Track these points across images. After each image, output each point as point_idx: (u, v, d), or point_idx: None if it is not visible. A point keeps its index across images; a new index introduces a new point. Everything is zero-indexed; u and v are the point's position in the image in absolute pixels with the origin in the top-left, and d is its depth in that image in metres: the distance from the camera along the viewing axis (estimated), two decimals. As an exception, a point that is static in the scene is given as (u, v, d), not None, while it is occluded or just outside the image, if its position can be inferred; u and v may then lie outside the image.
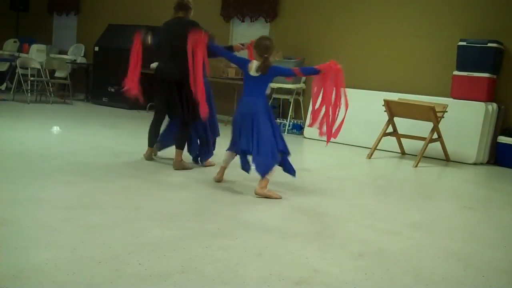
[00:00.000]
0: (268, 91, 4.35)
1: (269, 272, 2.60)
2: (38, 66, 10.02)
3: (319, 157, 6.82)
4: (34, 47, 11.15)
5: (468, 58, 6.87)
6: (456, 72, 6.99)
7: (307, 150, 7.42)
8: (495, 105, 6.89)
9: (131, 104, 9.72)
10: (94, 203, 3.58)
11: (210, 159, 5.18)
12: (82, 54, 11.48)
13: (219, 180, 4.49)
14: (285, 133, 8.43)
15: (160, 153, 5.35)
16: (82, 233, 2.95)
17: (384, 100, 6.60)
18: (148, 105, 9.07)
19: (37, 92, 10.08)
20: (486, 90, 6.80)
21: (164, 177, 4.63)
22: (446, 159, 6.72)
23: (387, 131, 6.65)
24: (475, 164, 6.74)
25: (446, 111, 6.42)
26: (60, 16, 12.38)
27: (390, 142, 6.90)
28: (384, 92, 7.35)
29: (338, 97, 4.20)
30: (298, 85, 8.33)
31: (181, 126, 4.93)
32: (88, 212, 3.36)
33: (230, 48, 4.95)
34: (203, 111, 4.52)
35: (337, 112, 4.23)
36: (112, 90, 10.17)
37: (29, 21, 12.56)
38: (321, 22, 8.55)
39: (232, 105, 8.52)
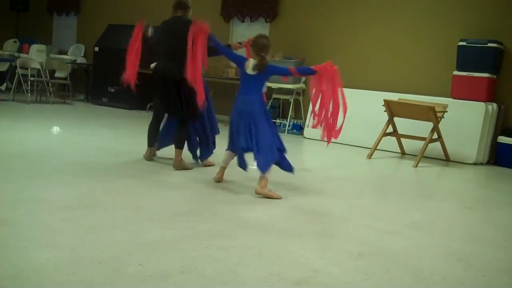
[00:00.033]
0: (264, 89, 4.36)
1: (269, 272, 2.60)
2: (38, 66, 10.02)
3: (319, 157, 6.82)
4: (34, 47, 11.15)
5: (468, 58, 6.87)
6: (456, 72, 6.99)
7: (307, 150, 7.43)
8: (495, 105, 6.89)
9: (131, 104, 9.75)
10: (94, 203, 3.58)
11: (210, 159, 5.19)
12: (82, 54, 11.49)
13: (219, 180, 4.49)
14: (285, 133, 8.43)
15: (160, 153, 5.35)
16: (82, 233, 2.95)
17: (384, 100, 6.60)
18: (148, 105, 9.08)
19: (37, 92, 10.09)
20: (486, 90, 6.80)
21: (164, 177, 4.63)
22: (446, 159, 6.72)
23: (387, 131, 6.66)
24: (475, 164, 6.74)
25: (446, 111, 6.42)
26: (60, 16, 12.39)
27: (390, 142, 6.91)
28: (384, 92, 7.35)
29: (336, 98, 4.20)
30: (298, 85, 8.33)
31: (179, 125, 4.93)
32: (88, 212, 3.36)
33: (228, 47, 4.96)
34: (200, 99, 4.53)
35: (337, 113, 4.23)
36: (112, 90, 10.17)
37: (29, 21, 12.56)
38: (321, 22, 8.55)
39: (232, 105, 8.50)
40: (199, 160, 5.21)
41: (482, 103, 6.74)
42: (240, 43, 4.78)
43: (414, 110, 6.47)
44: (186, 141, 5.02)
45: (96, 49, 10.46)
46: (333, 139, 4.32)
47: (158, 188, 4.25)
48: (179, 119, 4.92)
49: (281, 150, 4.35)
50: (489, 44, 6.77)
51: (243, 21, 9.46)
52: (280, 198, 4.12)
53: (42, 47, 11.26)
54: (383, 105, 6.60)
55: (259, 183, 4.14)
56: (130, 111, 9.63)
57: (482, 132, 6.73)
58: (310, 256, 2.88)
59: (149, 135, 5.18)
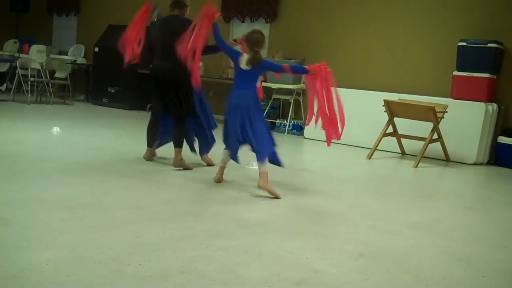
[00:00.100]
0: (258, 84, 4.38)
1: (269, 272, 2.60)
2: (38, 67, 10.02)
3: (319, 157, 6.82)
4: (34, 47, 11.16)
5: (468, 58, 6.87)
6: (456, 73, 6.99)
7: (307, 151, 7.43)
8: (495, 105, 6.89)
9: (131, 105, 9.75)
10: (94, 203, 3.58)
11: (210, 156, 5.17)
12: (82, 55, 11.49)
13: (219, 180, 4.50)
14: (285, 133, 8.44)
15: (160, 153, 5.35)
16: (82, 233, 2.95)
17: (384, 101, 6.60)
18: (148, 105, 9.07)
19: (37, 93, 10.09)
20: (486, 90, 6.80)
21: (164, 177, 4.63)
22: (446, 159, 6.72)
23: (387, 132, 6.66)
24: (475, 164, 6.74)
25: (446, 112, 6.42)
26: (60, 17, 12.40)
27: (390, 143, 6.91)
28: (384, 93, 7.35)
29: (330, 99, 4.22)
30: (298, 86, 8.33)
31: (176, 124, 4.93)
32: (88, 212, 3.36)
33: (218, 49, 4.96)
34: (195, 81, 4.53)
35: (334, 113, 4.25)
36: (112, 90, 10.18)
37: (29, 21, 12.57)
38: (321, 22, 8.55)
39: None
40: (198, 155, 5.19)
41: (482, 103, 6.74)
42: (235, 40, 4.78)
43: (414, 110, 6.47)
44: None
45: (96, 49, 10.46)
46: (333, 140, 4.33)
47: (158, 188, 4.25)
48: (176, 117, 4.92)
49: (274, 144, 4.40)
50: (489, 44, 6.77)
51: (243, 22, 9.46)
52: (279, 198, 4.12)
53: (42, 47, 11.27)
54: (383, 105, 6.60)
55: (262, 177, 4.15)
56: (130, 111, 9.63)
57: (482, 132, 6.73)
58: (310, 256, 2.88)
59: (148, 135, 5.18)
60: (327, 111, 4.25)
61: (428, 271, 2.81)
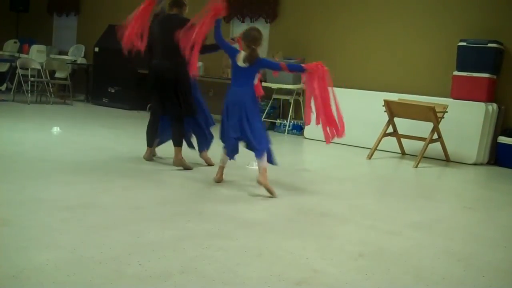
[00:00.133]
0: (255, 81, 4.39)
1: (269, 272, 2.60)
2: (38, 67, 10.02)
3: (319, 158, 6.82)
4: (34, 47, 11.16)
5: (468, 58, 6.87)
6: (456, 73, 6.99)
7: (307, 151, 7.43)
8: (495, 105, 6.88)
9: (131, 105, 9.75)
10: (94, 203, 3.58)
11: (209, 155, 5.16)
12: (82, 55, 11.49)
13: (218, 180, 4.50)
14: (285, 133, 8.43)
15: (160, 153, 5.35)
16: (82, 233, 2.95)
17: (384, 101, 6.60)
18: (148, 105, 9.06)
19: (37, 93, 10.09)
20: (486, 90, 6.80)
21: (164, 177, 4.63)
22: (446, 160, 6.72)
23: (387, 132, 6.66)
24: (475, 164, 6.73)
25: (446, 112, 6.42)
26: (60, 17, 12.40)
27: (390, 143, 6.90)
28: (384, 93, 7.34)
29: (327, 97, 4.24)
30: (298, 86, 8.32)
31: (175, 123, 4.93)
32: (88, 212, 3.36)
33: (218, 46, 4.97)
34: (192, 71, 4.57)
35: (331, 112, 4.27)
36: (112, 90, 10.17)
37: (29, 21, 12.57)
38: (321, 22, 8.55)
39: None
40: (197, 151, 5.19)
41: (482, 104, 6.74)
42: (233, 39, 4.79)
43: (414, 110, 6.47)
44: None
45: (96, 49, 10.46)
46: (337, 138, 4.33)
47: (158, 188, 4.25)
48: (175, 117, 4.92)
49: (269, 142, 4.43)
50: (489, 44, 6.76)
51: (243, 22, 9.46)
52: (275, 197, 4.12)
53: (42, 47, 11.27)
54: (383, 106, 6.60)
55: (261, 173, 4.17)
56: (130, 111, 9.63)
57: (482, 132, 6.73)
58: (310, 256, 2.88)
59: (148, 135, 5.18)
60: (324, 109, 4.27)
61: (428, 271, 2.81)
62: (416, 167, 6.20)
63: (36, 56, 10.87)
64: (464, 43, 6.91)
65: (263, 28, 9.11)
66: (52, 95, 10.00)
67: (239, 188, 4.42)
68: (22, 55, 11.10)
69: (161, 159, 5.29)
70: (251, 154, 4.38)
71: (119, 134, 7.10)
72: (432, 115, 6.23)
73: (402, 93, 7.25)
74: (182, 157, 4.90)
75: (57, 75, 10.75)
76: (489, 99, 6.86)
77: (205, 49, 4.91)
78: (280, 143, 7.63)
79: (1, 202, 3.44)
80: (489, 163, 6.91)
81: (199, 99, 5.09)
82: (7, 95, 10.18)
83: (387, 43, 7.93)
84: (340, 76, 7.92)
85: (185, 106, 4.87)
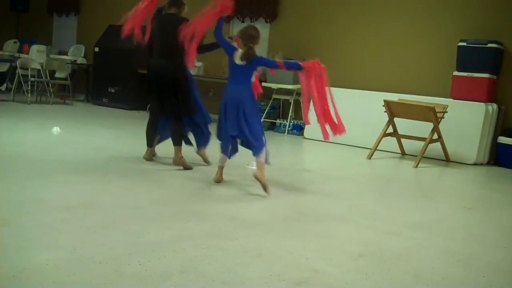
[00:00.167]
0: (253, 79, 4.40)
1: (269, 272, 2.60)
2: (38, 67, 10.02)
3: (319, 158, 6.82)
4: (34, 47, 11.16)
5: (468, 58, 6.87)
6: (456, 73, 6.99)
7: (307, 151, 7.43)
8: (495, 105, 6.88)
9: (131, 105, 9.75)
10: (94, 203, 3.58)
11: (208, 156, 5.16)
12: (82, 55, 11.49)
13: (218, 180, 4.49)
14: (285, 133, 8.43)
15: (160, 153, 5.35)
16: (82, 233, 2.95)
17: (384, 101, 6.60)
18: (148, 105, 9.07)
19: (37, 93, 10.08)
20: (486, 90, 6.80)
21: (164, 177, 4.63)
22: (446, 160, 6.72)
23: (387, 132, 6.65)
24: (475, 164, 6.73)
25: (446, 112, 6.42)
26: (60, 17, 12.39)
27: (390, 143, 6.90)
28: (384, 93, 7.35)
29: (324, 95, 4.25)
30: (298, 86, 8.30)
31: (174, 122, 4.94)
32: (88, 212, 3.36)
33: (218, 45, 4.98)
34: (190, 61, 4.59)
35: (328, 110, 4.30)
36: (112, 90, 10.17)
37: (29, 21, 12.56)
38: (321, 22, 8.55)
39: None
40: (195, 148, 5.20)
41: (482, 104, 6.74)
42: (230, 37, 4.79)
43: (414, 110, 6.47)
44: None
45: (96, 49, 10.46)
46: (331, 138, 4.33)
47: (158, 188, 4.25)
48: (174, 116, 4.93)
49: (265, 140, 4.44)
50: (489, 45, 6.77)
51: (243, 22, 9.45)
52: (268, 194, 4.12)
53: (42, 47, 11.27)
54: (383, 106, 6.60)
55: (259, 169, 4.18)
56: (130, 111, 9.63)
57: (482, 132, 6.73)
58: (310, 256, 2.88)
59: (147, 136, 5.18)
60: (322, 107, 4.29)
61: (428, 271, 2.81)
62: (416, 167, 6.20)
63: (36, 56, 10.87)
64: (464, 43, 6.92)
65: (263, 28, 9.11)
66: (52, 95, 10.00)
67: (239, 188, 4.42)
68: (22, 55, 11.10)
69: (161, 159, 5.28)
70: (251, 154, 4.37)
71: (119, 134, 7.10)
72: (432, 115, 6.23)
73: (402, 93, 7.25)
74: (182, 156, 4.90)
75: (57, 75, 10.75)
76: (489, 99, 6.86)
77: (204, 48, 4.93)
78: (280, 143, 7.63)
79: (1, 202, 3.44)
80: (489, 163, 6.91)
81: (197, 98, 5.09)
82: (7, 95, 10.18)
83: (387, 43, 7.93)
84: (340, 76, 7.93)
85: (183, 105, 4.88)
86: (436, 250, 3.18)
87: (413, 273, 2.77)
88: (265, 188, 4.14)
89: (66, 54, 11.54)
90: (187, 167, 4.90)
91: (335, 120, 4.30)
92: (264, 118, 8.36)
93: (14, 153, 5.10)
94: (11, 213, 3.21)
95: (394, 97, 6.95)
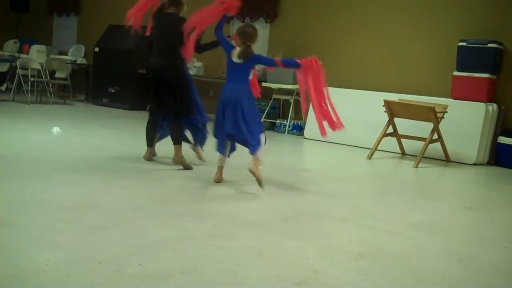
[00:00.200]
0: (250, 77, 4.41)
1: (269, 272, 2.60)
2: (38, 67, 10.02)
3: (319, 158, 6.82)
4: (34, 47, 11.16)
5: (468, 58, 6.87)
6: (456, 73, 6.99)
7: (307, 151, 7.43)
8: (495, 105, 6.89)
9: (131, 105, 9.75)
10: (94, 203, 3.58)
11: (205, 154, 5.15)
12: (82, 55, 11.49)
13: (218, 180, 4.50)
14: (285, 133, 8.43)
15: (160, 153, 5.35)
16: (82, 233, 2.95)
17: (384, 101, 6.60)
18: (148, 105, 9.07)
19: (37, 93, 10.09)
20: (486, 90, 6.80)
21: (164, 178, 4.63)
22: (446, 160, 6.72)
23: (387, 132, 6.66)
24: (475, 164, 6.73)
25: (446, 112, 6.42)
26: (60, 17, 12.39)
27: (390, 143, 6.90)
28: (384, 93, 7.35)
29: (321, 92, 4.29)
30: (298, 86, 8.33)
31: (173, 121, 4.94)
32: (88, 212, 3.36)
33: (218, 43, 4.98)
34: (187, 52, 4.64)
35: (327, 106, 4.31)
36: (112, 90, 10.18)
37: (29, 21, 12.56)
38: (321, 22, 8.55)
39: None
40: (192, 145, 5.21)
41: (482, 104, 6.74)
42: (228, 36, 4.80)
43: (414, 110, 6.47)
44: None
45: (96, 49, 10.46)
46: (330, 135, 4.34)
47: (158, 188, 4.25)
48: (172, 115, 4.93)
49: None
50: (489, 45, 6.77)
51: (243, 21, 9.44)
52: (263, 189, 4.13)
53: (42, 47, 11.27)
54: (383, 106, 6.60)
55: (254, 163, 4.19)
56: (130, 111, 9.63)
57: (482, 132, 6.73)
58: (310, 256, 2.88)
59: (147, 136, 5.19)
60: (319, 104, 4.32)
61: (428, 271, 2.81)
62: (416, 167, 6.20)
63: (36, 56, 10.87)
64: (464, 43, 6.92)
65: (263, 28, 9.12)
66: (52, 95, 10.00)
67: (239, 188, 4.42)
68: (22, 55, 11.09)
69: (161, 159, 5.28)
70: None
71: (119, 134, 7.10)
72: (432, 115, 6.23)
73: (402, 93, 7.25)
74: (183, 156, 4.90)
75: (57, 75, 10.75)
76: (489, 99, 6.86)
77: (203, 47, 4.95)
78: (280, 143, 7.63)
79: (1, 202, 3.44)
80: (489, 163, 6.91)
81: (196, 98, 5.09)
82: (7, 95, 10.18)
83: (387, 43, 7.93)
84: (340, 76, 7.94)
85: (182, 104, 4.88)
86: (436, 250, 3.18)
87: (413, 273, 2.77)
88: (259, 182, 4.15)
89: (66, 54, 11.55)
90: (187, 167, 4.90)
91: (333, 117, 4.31)
92: (264, 118, 8.36)
93: (14, 153, 5.10)
94: (11, 213, 3.21)
95: (394, 97, 6.95)
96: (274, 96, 8.58)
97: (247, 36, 4.32)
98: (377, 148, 6.63)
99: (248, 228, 3.33)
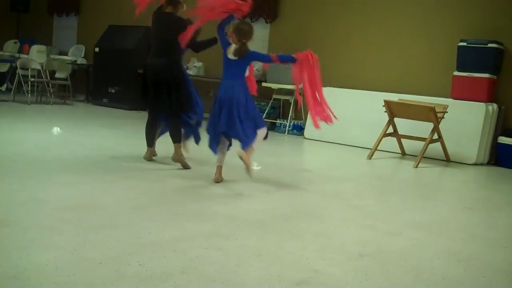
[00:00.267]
0: (247, 74, 4.44)
1: (270, 272, 2.60)
2: (39, 67, 10.02)
3: (319, 158, 6.82)
4: (35, 48, 11.15)
5: (468, 58, 6.87)
6: (456, 73, 6.99)
7: (307, 151, 7.43)
8: (495, 105, 6.88)
9: (131, 105, 9.75)
10: (94, 204, 3.58)
11: (204, 155, 5.14)
12: (83, 55, 11.49)
13: (218, 180, 4.50)
14: (285, 134, 8.43)
15: (160, 154, 5.35)
16: (82, 233, 2.95)
17: (384, 101, 6.60)
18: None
19: (38, 93, 10.09)
20: (486, 90, 6.80)
21: (164, 178, 4.63)
22: (447, 160, 6.72)
23: (387, 132, 6.65)
24: (475, 164, 6.73)
25: (447, 112, 6.42)
26: (60, 17, 12.39)
27: (391, 143, 6.90)
28: (384, 93, 7.35)
29: (316, 85, 4.36)
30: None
31: (171, 119, 4.95)
32: (88, 212, 3.36)
33: (215, 40, 4.99)
34: (183, 40, 4.67)
35: (322, 98, 4.36)
36: (113, 91, 10.17)
37: (29, 22, 12.56)
38: (321, 23, 8.55)
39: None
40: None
41: (483, 104, 6.74)
42: (225, 34, 4.80)
43: (414, 110, 6.47)
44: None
45: (97, 49, 10.46)
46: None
47: (158, 189, 4.25)
48: (170, 114, 4.93)
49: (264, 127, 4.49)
50: (489, 45, 6.77)
51: (243, 22, 9.44)
52: (251, 178, 4.17)
53: (43, 47, 11.26)
54: (383, 106, 6.59)
55: (247, 152, 4.20)
56: (130, 111, 9.63)
57: (483, 132, 6.73)
58: (310, 256, 2.88)
59: (147, 136, 5.19)
60: (312, 97, 4.35)
61: (428, 271, 2.81)
62: (416, 167, 6.20)
63: (36, 56, 10.86)
64: (464, 43, 6.92)
65: (263, 28, 9.13)
66: (52, 96, 10.00)
67: (238, 188, 4.42)
68: (22, 56, 11.09)
69: (161, 159, 5.28)
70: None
71: (119, 134, 7.11)
72: (432, 115, 6.23)
73: (402, 93, 7.25)
74: (182, 154, 4.91)
75: (57, 75, 10.74)
76: (489, 99, 6.86)
77: (201, 46, 4.97)
78: (280, 143, 7.64)
79: (1, 202, 3.45)
80: (489, 163, 6.91)
81: (194, 95, 5.09)
82: (7, 95, 10.18)
83: (387, 43, 7.93)
84: (340, 76, 7.94)
85: (179, 103, 4.87)
86: (436, 250, 3.18)
87: (413, 273, 2.77)
88: (248, 170, 4.15)
89: (66, 54, 11.55)
90: (184, 166, 4.90)
91: (326, 109, 4.35)
92: (264, 118, 8.35)
93: (14, 153, 5.10)
94: (11, 213, 3.21)
95: (394, 97, 6.95)
96: (274, 96, 8.59)
97: (243, 34, 4.34)
98: (377, 148, 6.63)
99: (248, 228, 3.33)
